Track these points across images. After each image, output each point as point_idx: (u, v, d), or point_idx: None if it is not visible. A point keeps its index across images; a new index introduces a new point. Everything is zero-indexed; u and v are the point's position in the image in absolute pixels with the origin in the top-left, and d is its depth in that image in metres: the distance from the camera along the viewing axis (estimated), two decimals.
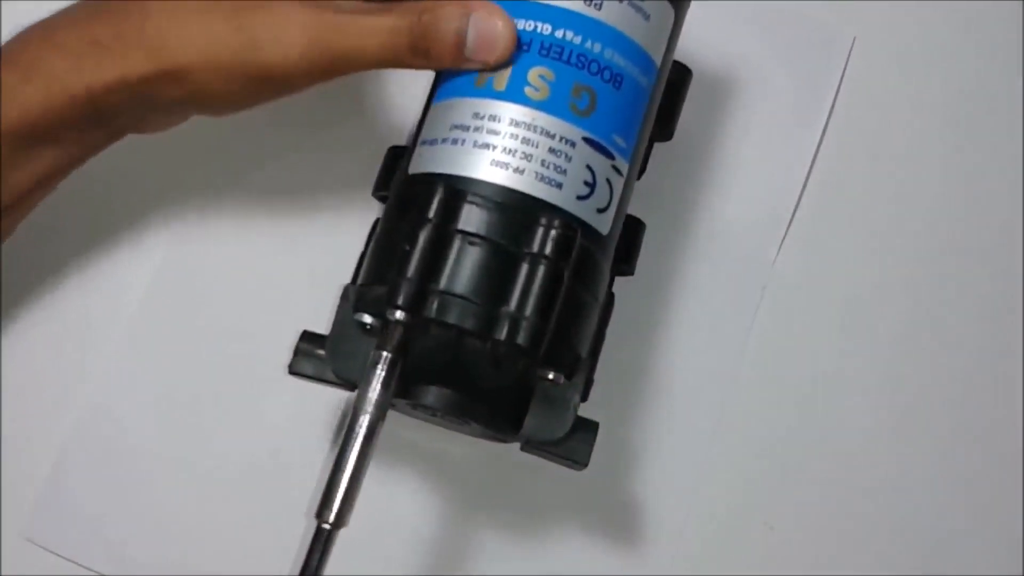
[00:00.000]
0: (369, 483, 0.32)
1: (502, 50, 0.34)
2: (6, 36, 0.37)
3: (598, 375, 0.39)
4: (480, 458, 0.45)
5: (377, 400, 0.32)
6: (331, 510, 0.30)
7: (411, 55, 0.35)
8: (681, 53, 0.41)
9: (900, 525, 0.45)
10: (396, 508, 0.44)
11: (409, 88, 0.44)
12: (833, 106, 0.48)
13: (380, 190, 0.40)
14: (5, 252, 0.40)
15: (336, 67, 0.36)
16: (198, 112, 0.38)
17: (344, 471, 0.31)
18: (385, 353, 0.32)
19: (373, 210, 0.39)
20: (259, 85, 0.36)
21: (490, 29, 0.34)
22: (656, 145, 0.43)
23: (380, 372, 0.32)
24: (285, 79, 0.36)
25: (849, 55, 0.49)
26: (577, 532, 0.44)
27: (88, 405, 0.44)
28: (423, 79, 0.39)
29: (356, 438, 0.31)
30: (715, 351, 0.46)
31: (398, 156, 0.39)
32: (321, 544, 0.31)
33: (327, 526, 0.30)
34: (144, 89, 0.36)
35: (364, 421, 0.32)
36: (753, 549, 0.45)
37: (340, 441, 0.32)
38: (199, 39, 0.35)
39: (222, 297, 0.46)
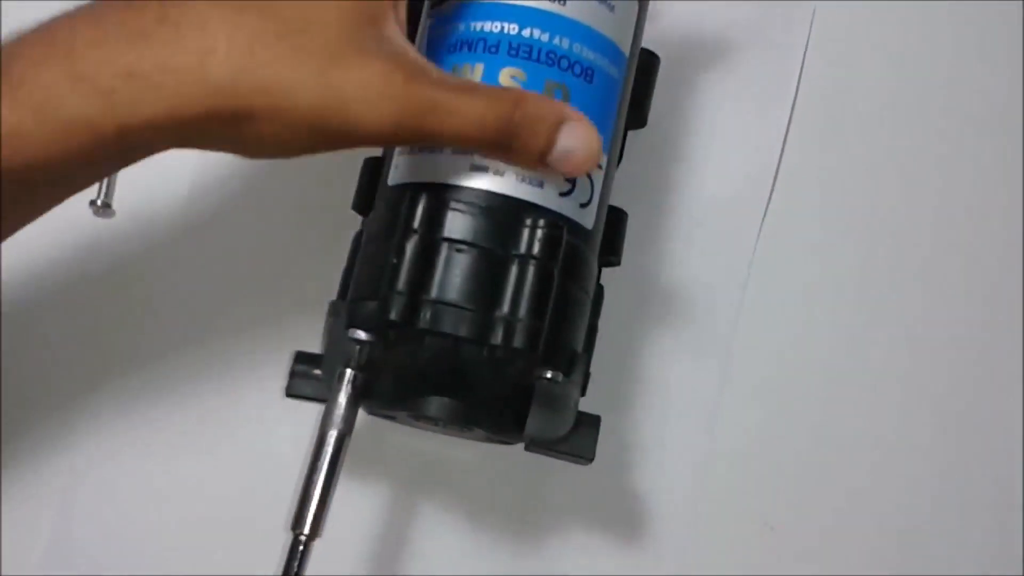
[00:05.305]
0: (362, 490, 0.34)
1: (586, 167, 0.34)
2: (6, 36, 0.30)
3: (592, 369, 0.39)
4: (466, 455, 0.44)
5: (343, 415, 0.34)
6: (305, 521, 0.32)
7: (490, 146, 0.33)
8: (644, 39, 0.41)
9: (900, 525, 0.45)
10: (393, 511, 0.44)
11: None
12: (800, 75, 0.48)
13: (361, 203, 0.39)
14: None
15: (415, 141, 0.34)
16: (241, 153, 0.33)
17: (316, 484, 0.33)
18: (349, 371, 0.34)
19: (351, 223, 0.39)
20: (328, 142, 0.32)
21: (582, 145, 0.33)
22: (630, 133, 0.43)
23: (346, 389, 0.34)
24: (359, 141, 0.32)
25: (812, 24, 0.49)
26: (573, 530, 0.44)
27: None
28: None
29: (326, 452, 0.33)
30: (706, 332, 0.46)
31: (375, 168, 0.39)
32: (298, 555, 0.32)
33: (303, 537, 0.32)
34: (191, 127, 0.30)
35: (332, 435, 0.33)
36: (753, 549, 0.44)
37: (311, 455, 0.33)
38: (280, 86, 0.30)
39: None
